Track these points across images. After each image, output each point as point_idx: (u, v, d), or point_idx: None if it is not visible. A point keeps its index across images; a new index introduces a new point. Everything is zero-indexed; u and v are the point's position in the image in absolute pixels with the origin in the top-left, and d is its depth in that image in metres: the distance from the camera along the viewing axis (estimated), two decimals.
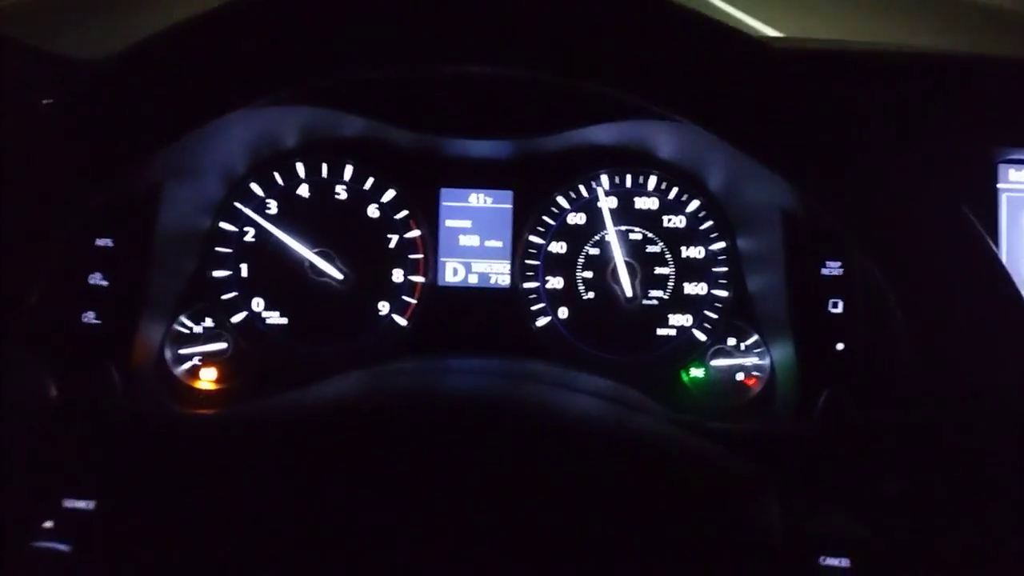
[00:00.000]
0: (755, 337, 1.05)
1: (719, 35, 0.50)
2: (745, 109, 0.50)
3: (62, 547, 0.53)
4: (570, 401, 0.66)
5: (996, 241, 1.00)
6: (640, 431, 0.62)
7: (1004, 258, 1.00)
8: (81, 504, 0.57)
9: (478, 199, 1.10)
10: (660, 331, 1.08)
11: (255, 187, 1.07)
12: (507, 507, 0.54)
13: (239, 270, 1.07)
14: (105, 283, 0.93)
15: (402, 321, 1.09)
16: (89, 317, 0.92)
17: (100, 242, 0.92)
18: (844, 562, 0.54)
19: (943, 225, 0.51)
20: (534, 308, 1.09)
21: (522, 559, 0.53)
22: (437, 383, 0.71)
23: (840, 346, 0.91)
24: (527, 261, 1.10)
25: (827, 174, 0.51)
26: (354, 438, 0.57)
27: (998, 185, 1.01)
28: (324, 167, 1.08)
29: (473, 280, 1.10)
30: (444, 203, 1.10)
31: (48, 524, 0.54)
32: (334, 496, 0.55)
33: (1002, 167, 1.01)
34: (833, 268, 0.92)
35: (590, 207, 1.09)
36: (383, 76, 0.54)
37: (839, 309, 0.92)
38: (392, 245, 1.09)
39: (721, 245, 1.07)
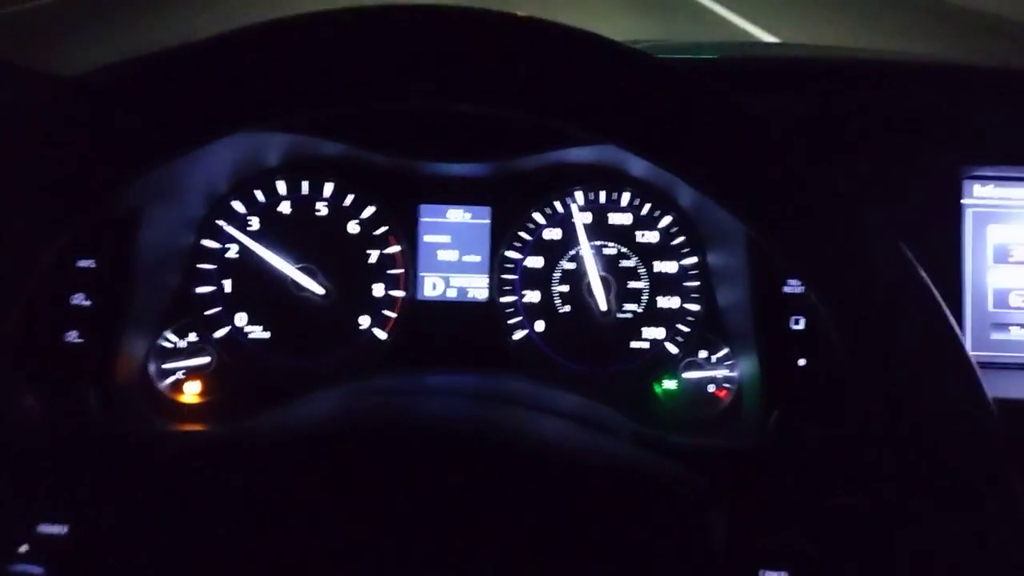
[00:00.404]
0: (725, 350, 1.08)
1: (624, 56, 0.52)
2: (666, 133, 0.52)
3: (36, 571, 0.55)
4: (537, 424, 0.69)
5: (960, 256, 1.02)
6: (599, 453, 0.65)
7: (968, 273, 1.03)
8: (55, 529, 0.59)
9: (456, 215, 1.12)
10: (634, 344, 1.11)
11: (237, 205, 1.09)
12: (475, 531, 0.56)
13: (222, 286, 1.09)
14: (88, 303, 0.95)
15: (382, 335, 1.11)
16: (72, 337, 0.95)
17: (82, 263, 0.95)
18: (783, 575, 0.56)
19: (876, 253, 0.52)
20: (511, 321, 1.12)
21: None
22: (411, 406, 0.74)
23: (802, 362, 0.93)
24: (504, 276, 1.12)
25: (751, 197, 0.53)
26: (328, 464, 0.60)
27: (963, 200, 1.03)
28: (305, 185, 1.10)
29: (452, 294, 1.12)
30: (423, 219, 1.12)
31: (23, 548, 0.56)
32: (309, 520, 0.57)
33: (967, 183, 1.04)
34: (795, 285, 0.95)
35: (566, 223, 1.11)
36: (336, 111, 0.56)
37: (801, 326, 0.95)
38: (372, 261, 1.11)
39: (693, 260, 1.10)
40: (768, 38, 6.09)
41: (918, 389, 0.52)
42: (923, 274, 0.52)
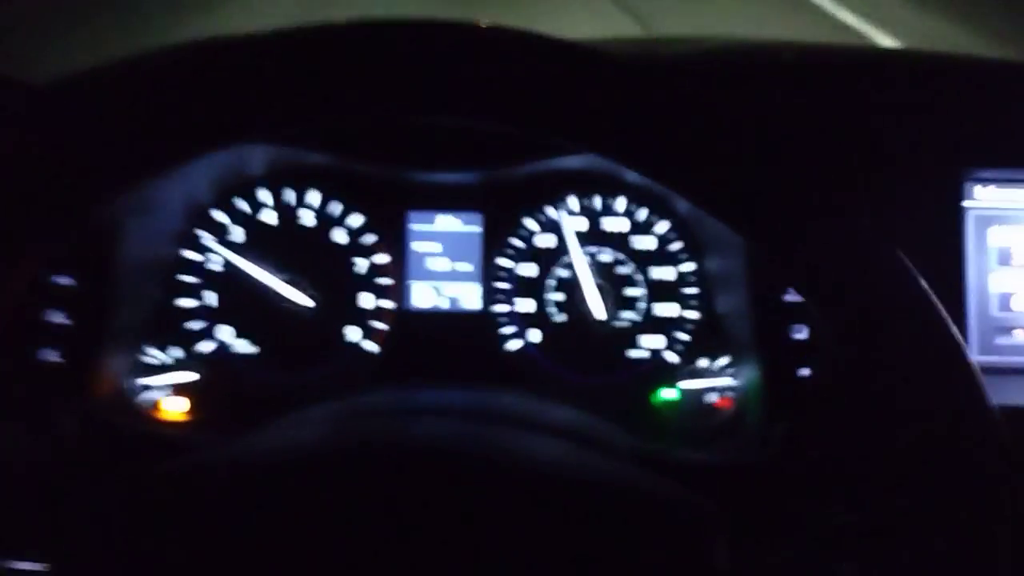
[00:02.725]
0: (727, 358, 1.05)
1: (606, 62, 0.50)
2: (653, 143, 0.50)
3: None
4: (532, 445, 0.66)
5: (961, 260, 1.00)
6: (598, 475, 0.62)
7: (971, 277, 1.01)
8: (36, 567, 0.56)
9: (446, 222, 1.09)
10: (632, 353, 1.08)
11: (219, 215, 1.06)
12: (469, 557, 0.54)
13: (205, 299, 1.06)
14: (66, 321, 0.91)
15: (373, 347, 1.08)
16: (49, 355, 0.91)
17: (59, 280, 0.91)
18: None
19: (874, 263, 0.51)
20: (505, 332, 1.09)
21: None
22: (401, 428, 0.71)
23: (805, 372, 0.91)
24: (497, 284, 1.09)
25: (746, 208, 0.51)
26: (316, 490, 0.57)
27: (963, 203, 1.01)
28: (289, 194, 1.07)
29: (443, 304, 1.09)
30: (412, 226, 1.09)
31: None
32: (296, 548, 0.54)
33: (967, 185, 1.02)
34: (796, 294, 0.92)
35: (559, 229, 1.08)
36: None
37: (803, 335, 0.92)
38: (360, 271, 1.08)
39: (691, 266, 1.07)
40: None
41: (921, 400, 0.51)
42: (924, 283, 0.51)
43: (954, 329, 0.50)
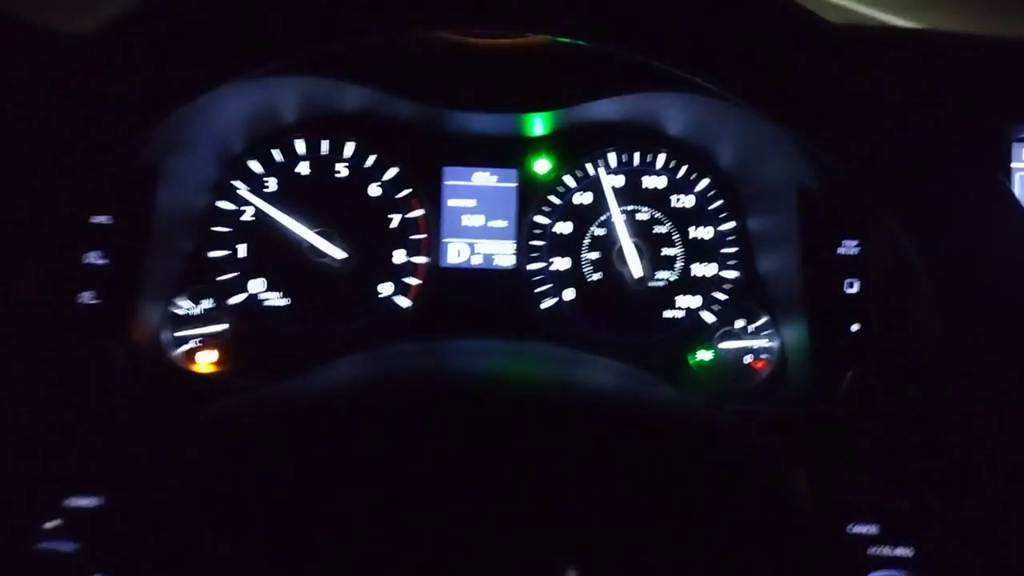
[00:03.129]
0: (764, 319, 1.04)
1: (768, 4, 0.48)
2: (790, 84, 0.49)
3: (68, 548, 0.51)
4: (585, 376, 0.64)
5: None
6: (659, 404, 0.60)
7: None
8: (86, 501, 0.55)
9: (482, 178, 1.07)
10: (667, 313, 1.06)
11: (253, 164, 1.04)
12: (528, 488, 0.52)
13: (237, 250, 1.04)
14: (103, 262, 0.90)
15: (404, 303, 1.07)
16: (87, 297, 0.90)
17: (97, 219, 0.90)
18: (873, 529, 0.53)
19: (980, 195, 0.49)
20: (539, 290, 1.07)
21: (548, 539, 0.51)
22: (446, 364, 0.69)
23: (855, 327, 0.89)
24: (532, 241, 1.07)
25: (863, 146, 0.49)
26: (364, 423, 0.56)
27: (1012, 164, 0.99)
28: (324, 144, 1.05)
29: (477, 261, 1.08)
30: (447, 182, 1.07)
31: (51, 524, 0.52)
32: (346, 482, 0.53)
33: (1016, 146, 1.00)
34: (849, 247, 0.91)
35: (597, 186, 1.07)
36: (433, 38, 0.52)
37: (855, 289, 0.91)
38: (394, 225, 1.06)
39: (731, 225, 1.05)
40: None
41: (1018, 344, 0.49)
42: None
43: None
